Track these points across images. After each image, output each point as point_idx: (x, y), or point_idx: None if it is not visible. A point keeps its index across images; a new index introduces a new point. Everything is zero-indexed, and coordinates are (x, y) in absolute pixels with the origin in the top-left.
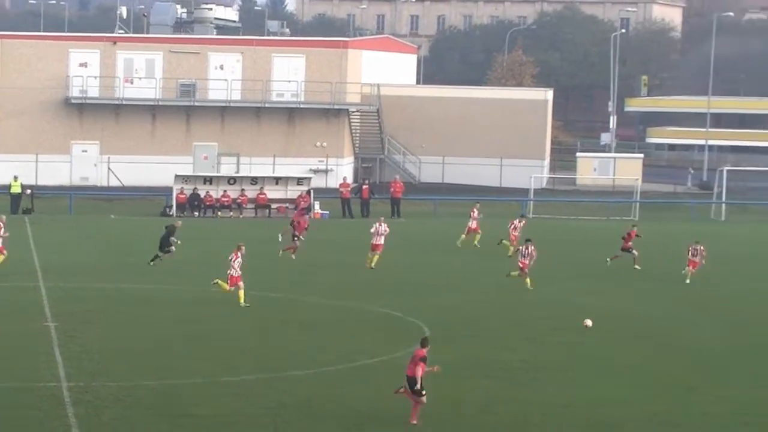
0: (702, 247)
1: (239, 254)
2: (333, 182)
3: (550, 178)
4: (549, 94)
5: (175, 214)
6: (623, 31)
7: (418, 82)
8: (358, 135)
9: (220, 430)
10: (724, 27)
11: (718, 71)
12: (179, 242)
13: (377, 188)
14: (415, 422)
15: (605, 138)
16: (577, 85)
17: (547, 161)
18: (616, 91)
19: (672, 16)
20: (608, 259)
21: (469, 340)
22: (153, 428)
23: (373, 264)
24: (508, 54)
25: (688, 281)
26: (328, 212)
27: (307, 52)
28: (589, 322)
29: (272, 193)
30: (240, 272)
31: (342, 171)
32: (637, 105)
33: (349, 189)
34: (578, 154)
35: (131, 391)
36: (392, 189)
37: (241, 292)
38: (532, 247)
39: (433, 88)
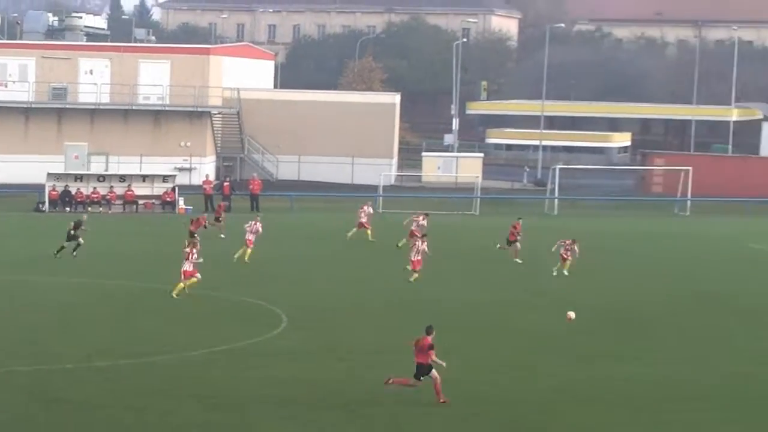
0: (571, 242)
1: (194, 250)
2: (196, 180)
3: (398, 175)
4: (396, 98)
5: (47, 210)
6: (465, 40)
7: (275, 87)
8: (219, 135)
9: (90, 413)
10: (556, 37)
11: (551, 77)
12: (87, 229)
13: (237, 185)
14: (443, 400)
15: (448, 139)
16: (423, 90)
17: (395, 160)
18: (459, 96)
19: (509, 26)
20: (498, 247)
21: (328, 326)
22: (26, 412)
23: (246, 258)
24: (359, 61)
25: (554, 273)
26: (191, 207)
27: (171, 58)
28: (572, 315)
29: (139, 189)
30: (193, 267)
31: (205, 169)
32: (477, 108)
33: (212, 186)
34: (424, 153)
35: (4, 377)
36: (251, 186)
37: (181, 285)
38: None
39: (289, 92)
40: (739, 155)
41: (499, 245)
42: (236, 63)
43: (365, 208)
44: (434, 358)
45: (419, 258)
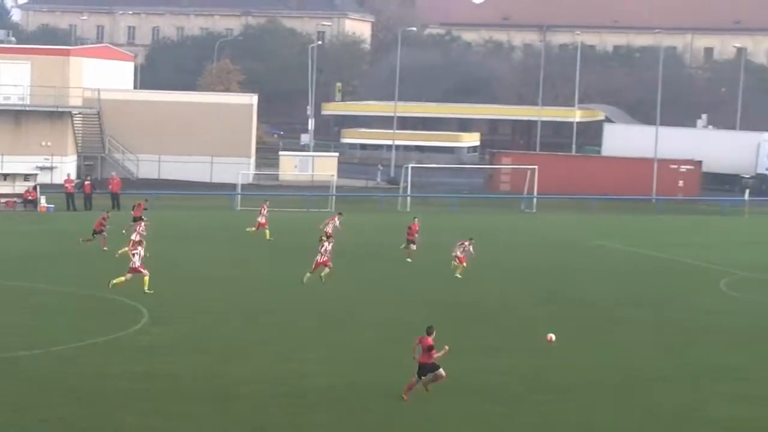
0: (469, 244)
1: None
2: (58, 178)
3: (255, 174)
4: (254, 99)
5: None
6: (320, 42)
7: (135, 87)
8: (80, 135)
9: None
10: (407, 40)
11: (403, 79)
12: None
13: (98, 184)
14: (406, 398)
15: (305, 138)
16: (280, 91)
17: (252, 159)
18: (314, 97)
19: (362, 29)
20: (403, 248)
21: (188, 321)
22: None
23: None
24: (217, 62)
25: (458, 275)
26: (53, 206)
27: (32, 59)
28: (552, 337)
29: (0, 188)
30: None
31: (66, 168)
32: (332, 109)
33: (73, 184)
34: (281, 152)
35: None
36: (110, 185)
37: (146, 279)
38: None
39: (149, 92)
40: (582, 154)
41: (403, 246)
42: (96, 64)
43: (265, 207)
44: (436, 356)
45: (326, 258)
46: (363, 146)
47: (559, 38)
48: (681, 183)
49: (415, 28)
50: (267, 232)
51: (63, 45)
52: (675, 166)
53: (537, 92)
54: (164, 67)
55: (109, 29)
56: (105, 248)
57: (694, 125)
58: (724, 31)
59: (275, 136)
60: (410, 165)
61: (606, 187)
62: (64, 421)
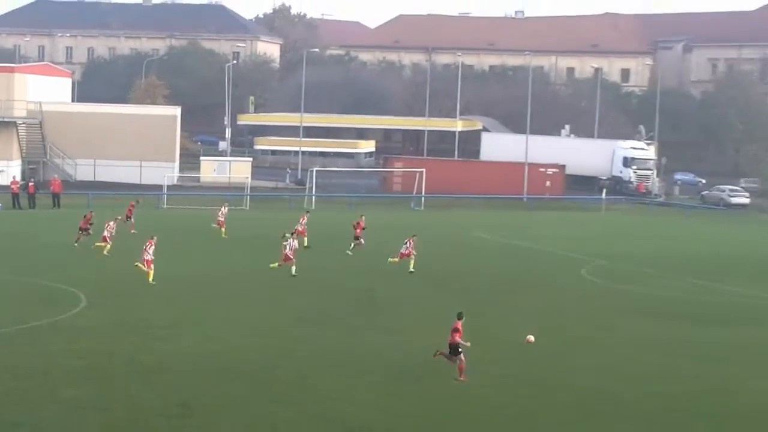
0: (412, 241)
1: (152, 243)
2: (4, 180)
3: (179, 176)
4: (178, 111)
5: None
6: (235, 62)
7: (73, 101)
8: (24, 142)
9: None
10: (311, 60)
11: (308, 94)
12: None
13: (41, 185)
14: (462, 378)
15: (222, 145)
16: (200, 104)
17: (177, 163)
18: (230, 109)
19: (272, 51)
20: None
21: (122, 305)
22: None
23: (105, 252)
24: (145, 79)
25: (407, 267)
26: (1, 205)
27: None
28: (531, 338)
29: None
30: (152, 257)
31: (12, 171)
32: (246, 120)
33: (18, 186)
34: (201, 158)
35: None
36: (51, 186)
37: (151, 272)
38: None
39: (85, 105)
40: (463, 159)
41: (353, 245)
42: (38, 80)
43: (223, 208)
44: (457, 340)
45: (291, 253)
46: (273, 152)
47: (443, 59)
48: (548, 184)
49: (318, 50)
50: (223, 230)
51: (8, 63)
52: (543, 169)
53: (424, 105)
54: (98, 82)
55: (49, 49)
56: (103, 245)
57: (558, 134)
58: (583, 54)
59: (199, 143)
60: (315, 168)
61: (484, 187)
62: (7, 395)
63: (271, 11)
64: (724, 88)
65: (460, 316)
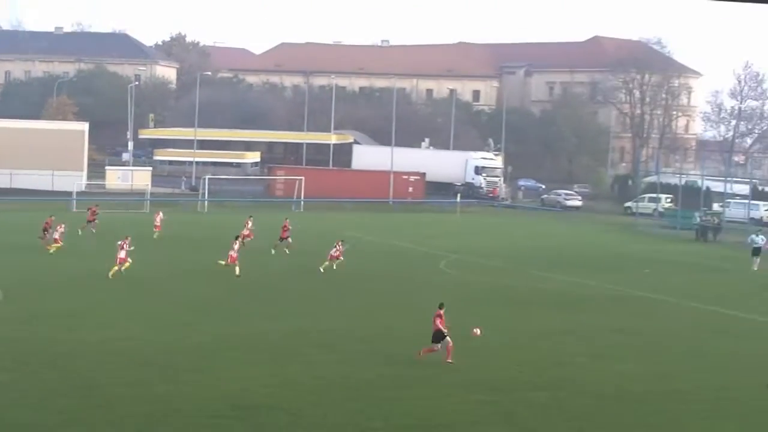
0: (341, 245)
1: (126, 243)
2: None
3: (87, 183)
4: (86, 126)
5: None
6: (137, 83)
7: None
8: None
9: None
10: (204, 82)
11: (202, 111)
12: None
13: None
14: (450, 360)
15: (126, 156)
16: (106, 120)
17: (85, 172)
18: (133, 125)
19: (170, 73)
20: (281, 247)
21: (36, 300)
22: None
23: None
24: (57, 98)
25: (322, 269)
26: None
27: None
28: (477, 331)
29: None
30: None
31: None
32: (147, 134)
33: None
34: (107, 167)
35: None
36: None
37: (115, 268)
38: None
39: (3, 120)
40: (337, 168)
41: (287, 250)
42: None
43: (159, 214)
44: (440, 326)
45: (235, 254)
46: (171, 162)
47: (319, 81)
48: (411, 189)
49: (210, 73)
50: (157, 232)
51: None
52: (406, 177)
53: (303, 121)
54: (15, 101)
55: None
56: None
57: (419, 146)
58: (440, 77)
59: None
60: (207, 177)
61: (355, 192)
62: None
63: (169, 39)
64: (559, 107)
65: (441, 306)
